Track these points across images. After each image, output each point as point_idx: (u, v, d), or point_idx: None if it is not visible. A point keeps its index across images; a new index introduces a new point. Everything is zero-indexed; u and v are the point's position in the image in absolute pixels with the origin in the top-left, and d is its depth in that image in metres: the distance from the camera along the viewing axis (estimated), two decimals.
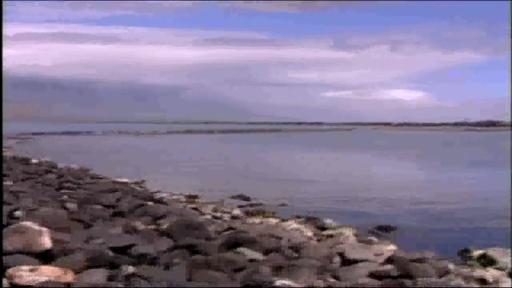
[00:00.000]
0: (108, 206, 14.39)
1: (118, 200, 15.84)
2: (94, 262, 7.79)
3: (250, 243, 10.36)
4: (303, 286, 8.18)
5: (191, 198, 20.73)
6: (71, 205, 13.48)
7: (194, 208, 17.63)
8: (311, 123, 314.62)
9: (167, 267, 8.55)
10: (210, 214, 16.68)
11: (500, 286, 9.59)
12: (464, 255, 12.64)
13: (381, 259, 10.70)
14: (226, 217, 16.41)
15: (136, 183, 25.24)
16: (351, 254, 10.79)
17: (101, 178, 25.07)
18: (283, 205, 19.87)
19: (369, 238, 13.75)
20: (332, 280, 8.99)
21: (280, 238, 11.79)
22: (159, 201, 17.65)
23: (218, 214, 16.68)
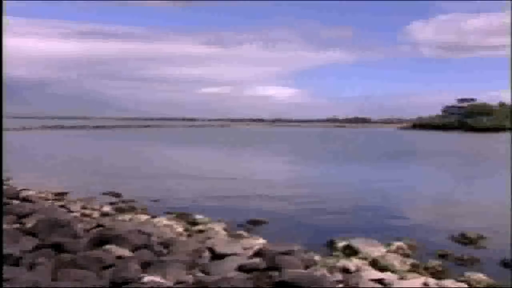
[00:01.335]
0: None
1: None
2: None
3: (118, 240, 10.27)
4: (171, 282, 8.24)
5: (60, 195, 20.10)
6: None
7: (62, 206, 17.13)
8: (185, 119, 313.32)
9: (31, 267, 8.31)
10: (78, 211, 16.26)
11: (361, 274, 10.11)
12: (330, 246, 13.15)
13: (250, 253, 11.00)
14: (96, 214, 16.05)
15: None
16: (221, 249, 11.00)
17: None
18: (155, 201, 19.75)
19: (238, 232, 13.95)
20: (201, 274, 9.11)
21: (150, 235, 11.73)
22: (25, 199, 17.01)
23: (87, 212, 16.27)
